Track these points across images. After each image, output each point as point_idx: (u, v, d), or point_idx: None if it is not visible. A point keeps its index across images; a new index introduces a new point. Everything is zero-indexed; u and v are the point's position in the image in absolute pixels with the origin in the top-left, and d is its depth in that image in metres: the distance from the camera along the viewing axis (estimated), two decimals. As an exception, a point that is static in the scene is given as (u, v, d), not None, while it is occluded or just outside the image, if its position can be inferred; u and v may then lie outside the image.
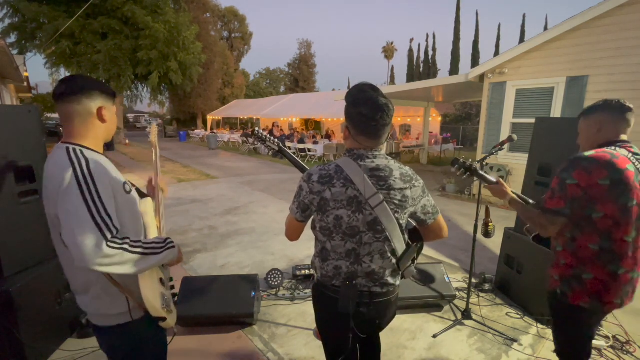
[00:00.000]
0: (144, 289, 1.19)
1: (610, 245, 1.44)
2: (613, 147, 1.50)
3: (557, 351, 1.72)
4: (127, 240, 1.08)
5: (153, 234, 1.37)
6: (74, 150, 1.16)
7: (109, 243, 1.03)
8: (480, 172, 1.92)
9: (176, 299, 1.47)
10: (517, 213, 1.73)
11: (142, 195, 1.47)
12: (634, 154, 1.50)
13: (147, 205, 1.41)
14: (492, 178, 1.89)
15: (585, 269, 1.47)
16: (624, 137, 1.56)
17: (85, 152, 1.18)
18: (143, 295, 1.18)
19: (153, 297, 1.22)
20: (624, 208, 1.41)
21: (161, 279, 1.34)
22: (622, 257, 1.44)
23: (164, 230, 1.47)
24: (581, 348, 1.63)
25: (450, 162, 2.00)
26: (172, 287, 1.44)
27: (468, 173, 1.96)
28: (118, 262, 1.05)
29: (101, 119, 1.26)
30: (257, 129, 1.81)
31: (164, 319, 1.27)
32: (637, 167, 1.46)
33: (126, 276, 1.14)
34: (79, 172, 1.09)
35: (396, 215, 1.27)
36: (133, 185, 1.40)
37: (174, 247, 1.28)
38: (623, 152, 1.48)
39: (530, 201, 1.87)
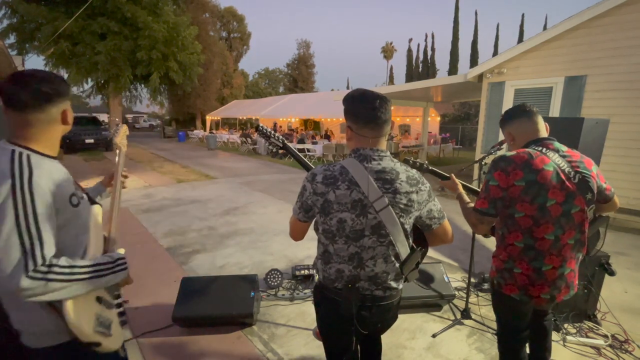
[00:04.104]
0: (70, 310, 1.01)
1: (533, 243, 1.51)
2: (534, 146, 1.55)
3: (497, 333, 1.90)
4: (55, 268, 0.96)
5: (96, 245, 1.22)
6: (20, 156, 1.03)
7: (29, 274, 0.91)
8: (432, 168, 1.99)
9: (124, 317, 1.31)
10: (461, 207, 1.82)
11: (91, 202, 1.32)
12: (556, 150, 1.53)
13: (95, 214, 1.27)
14: (445, 174, 1.96)
15: (515, 264, 1.58)
16: (542, 134, 1.61)
17: (34, 158, 1.05)
18: (67, 317, 1.01)
19: (81, 319, 1.04)
20: (542, 208, 1.46)
21: (99, 298, 1.17)
22: (545, 255, 1.51)
23: (115, 244, 1.31)
24: (514, 333, 1.76)
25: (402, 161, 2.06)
26: (120, 305, 1.29)
27: (420, 172, 2.00)
28: (41, 292, 0.93)
29: (64, 121, 1.17)
30: (260, 125, 1.75)
31: (97, 344, 1.09)
32: (561, 166, 1.48)
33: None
34: (18, 187, 0.97)
35: (401, 219, 1.25)
36: (84, 191, 1.29)
37: (124, 269, 1.17)
38: (548, 152, 1.51)
39: None
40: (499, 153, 1.85)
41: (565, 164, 1.49)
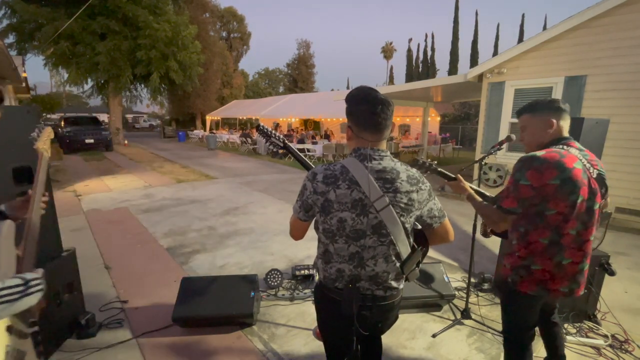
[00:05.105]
0: None
1: (559, 239, 1.54)
2: (560, 146, 1.58)
3: (504, 332, 1.87)
4: None
5: (8, 267, 1.09)
6: None
7: None
8: (439, 169, 1.96)
9: (40, 347, 1.17)
10: (473, 206, 1.81)
11: (2, 216, 1.17)
12: (579, 149, 1.59)
13: (6, 232, 1.12)
14: (451, 175, 1.94)
15: (534, 261, 1.58)
16: (566, 134, 1.65)
17: None
18: None
19: None
20: (573, 205, 1.50)
21: (9, 328, 1.03)
22: (566, 249, 1.55)
23: (28, 262, 1.15)
24: (524, 331, 1.77)
25: (410, 163, 2.04)
26: (36, 334, 1.16)
27: (428, 172, 1.96)
28: None
29: None
30: (261, 124, 1.74)
31: None
32: (585, 163, 1.54)
33: None
34: None
35: (401, 218, 1.25)
36: None
37: (39, 290, 1.00)
38: (572, 150, 1.56)
39: (487, 194, 2.01)
40: (499, 153, 1.85)
41: (586, 161, 1.56)
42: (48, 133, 1.40)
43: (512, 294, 1.71)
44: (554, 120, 1.61)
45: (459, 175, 1.94)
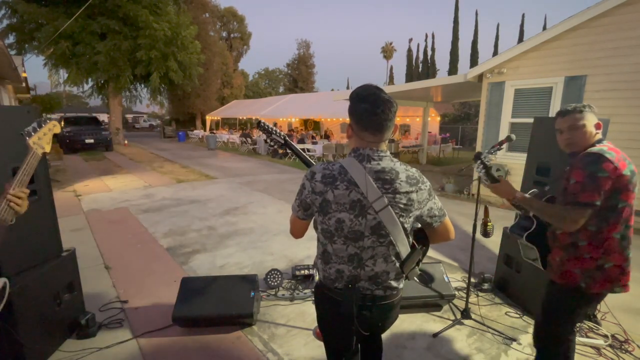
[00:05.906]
0: None
1: (626, 232, 1.57)
2: (602, 144, 1.63)
3: (556, 334, 1.76)
4: None
5: None
6: None
7: None
8: (490, 171, 1.92)
9: None
10: (531, 209, 1.73)
11: None
12: None
13: None
14: (495, 176, 1.89)
15: (608, 259, 1.57)
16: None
17: None
18: None
19: None
20: (635, 196, 1.55)
21: None
22: (630, 241, 1.60)
23: None
24: (572, 329, 1.75)
25: (474, 156, 2.03)
26: None
27: (484, 170, 1.92)
28: None
29: None
30: (262, 121, 1.74)
31: None
32: None
33: None
34: None
35: (401, 219, 1.24)
36: None
37: None
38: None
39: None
40: (499, 153, 1.84)
41: None
42: (50, 127, 1.24)
43: (584, 296, 1.65)
44: (601, 123, 1.67)
45: (501, 177, 1.87)
